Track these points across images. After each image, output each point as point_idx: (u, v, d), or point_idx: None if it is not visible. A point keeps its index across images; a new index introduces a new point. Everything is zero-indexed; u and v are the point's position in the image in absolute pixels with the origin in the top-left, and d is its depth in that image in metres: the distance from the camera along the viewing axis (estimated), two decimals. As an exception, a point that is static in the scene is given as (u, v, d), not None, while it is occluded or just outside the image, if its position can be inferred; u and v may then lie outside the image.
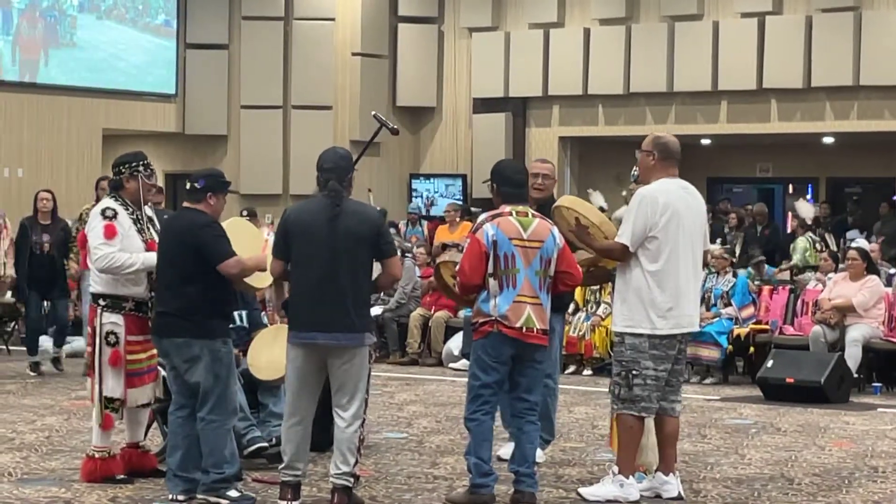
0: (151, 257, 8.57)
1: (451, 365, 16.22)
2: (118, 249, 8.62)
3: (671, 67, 21.03)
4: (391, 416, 12.18)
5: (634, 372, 8.38)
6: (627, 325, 8.43)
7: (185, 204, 8.45)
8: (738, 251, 19.14)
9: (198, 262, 8.13)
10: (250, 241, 8.71)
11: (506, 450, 9.17)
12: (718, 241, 18.46)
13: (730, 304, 15.32)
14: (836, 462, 10.11)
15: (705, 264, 14.09)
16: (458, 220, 19.65)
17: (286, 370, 8.20)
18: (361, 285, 8.07)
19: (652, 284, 8.34)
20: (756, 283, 16.82)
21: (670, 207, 8.37)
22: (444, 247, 10.16)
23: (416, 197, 23.11)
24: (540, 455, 9.58)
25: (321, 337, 7.97)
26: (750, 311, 15.47)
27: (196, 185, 8.33)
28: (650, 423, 8.61)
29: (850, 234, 20.41)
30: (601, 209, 9.55)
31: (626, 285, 8.45)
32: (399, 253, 11.11)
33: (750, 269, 17.70)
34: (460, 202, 21.27)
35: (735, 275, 15.72)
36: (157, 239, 8.64)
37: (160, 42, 22.40)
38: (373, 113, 10.67)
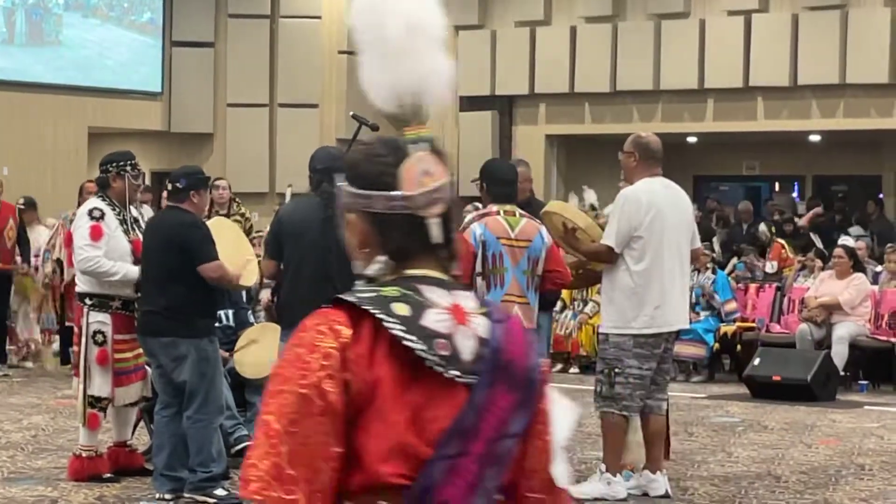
0: (133, 271, 8.55)
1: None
2: (103, 253, 8.61)
3: (657, 65, 21.02)
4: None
5: (617, 370, 8.38)
6: (614, 325, 8.43)
7: (169, 204, 8.45)
8: (717, 249, 19.18)
9: (183, 261, 8.12)
10: (233, 241, 8.71)
11: None
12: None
13: (712, 300, 15.33)
14: (823, 460, 10.13)
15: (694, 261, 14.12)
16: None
17: (275, 368, 8.20)
18: (355, 284, 8.06)
19: (638, 284, 8.35)
20: (746, 278, 16.86)
21: (654, 206, 8.38)
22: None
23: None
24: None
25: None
26: (732, 305, 15.50)
27: (178, 184, 8.33)
28: (637, 421, 8.62)
29: (851, 231, 20.40)
30: (592, 206, 9.57)
31: (613, 285, 8.46)
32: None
33: (742, 263, 17.73)
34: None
35: (715, 271, 15.75)
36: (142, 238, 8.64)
37: (146, 40, 22.35)
38: (351, 113, 10.64)
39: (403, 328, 2.52)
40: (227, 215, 13.13)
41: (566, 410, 2.76)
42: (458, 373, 2.55)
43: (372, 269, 2.71)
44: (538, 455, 2.67)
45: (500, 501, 2.65)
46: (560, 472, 2.70)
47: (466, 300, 2.62)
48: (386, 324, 2.52)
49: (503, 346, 2.61)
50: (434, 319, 2.56)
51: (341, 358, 2.51)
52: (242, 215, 13.18)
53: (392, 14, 2.73)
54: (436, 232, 2.65)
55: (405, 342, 2.52)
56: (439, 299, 2.60)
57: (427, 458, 2.51)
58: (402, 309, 2.55)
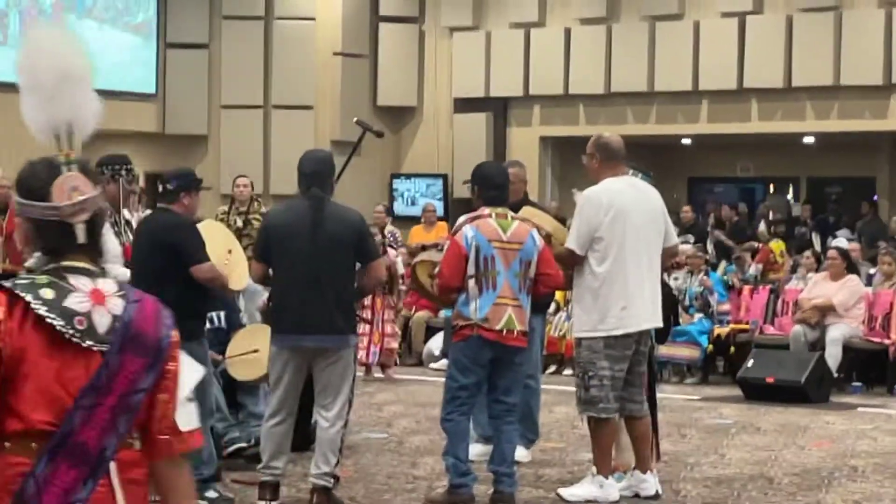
0: (124, 273, 8.52)
1: (431, 365, 16.20)
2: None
3: (652, 67, 21.02)
4: (371, 416, 12.17)
5: (590, 373, 8.36)
6: (584, 329, 8.41)
7: (160, 205, 8.43)
8: (710, 250, 19.21)
9: (173, 263, 8.07)
10: (223, 244, 8.68)
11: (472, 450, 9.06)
12: (692, 238, 18.48)
13: (710, 297, 15.32)
14: (816, 462, 10.12)
15: (678, 264, 14.11)
16: (435, 220, 19.64)
17: (270, 371, 8.19)
18: (345, 287, 8.06)
19: (603, 285, 8.31)
20: (739, 279, 16.87)
21: (615, 206, 8.34)
22: (424, 248, 10.16)
23: (397, 196, 23.08)
24: (525, 455, 9.59)
25: (306, 339, 7.97)
26: (725, 307, 15.52)
27: (168, 185, 8.30)
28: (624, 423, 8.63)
29: (839, 234, 20.44)
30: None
31: (580, 288, 8.44)
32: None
33: (733, 265, 17.73)
34: (437, 202, 21.25)
35: (707, 273, 15.75)
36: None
37: (140, 41, 22.33)
38: (355, 119, 10.64)
39: (46, 308, 3.27)
40: (247, 213, 13.14)
41: (192, 371, 3.49)
42: (92, 342, 3.30)
43: (31, 262, 3.40)
44: (164, 405, 3.40)
45: (134, 441, 3.37)
46: (182, 418, 3.42)
47: (107, 286, 3.39)
48: (32, 305, 3.27)
49: (133, 320, 3.36)
50: (75, 301, 3.31)
51: None
52: (262, 215, 13.16)
53: (45, 68, 3.49)
54: (81, 235, 3.38)
55: (47, 320, 3.26)
56: (82, 285, 3.34)
57: (69, 409, 3.26)
58: (48, 293, 3.30)
